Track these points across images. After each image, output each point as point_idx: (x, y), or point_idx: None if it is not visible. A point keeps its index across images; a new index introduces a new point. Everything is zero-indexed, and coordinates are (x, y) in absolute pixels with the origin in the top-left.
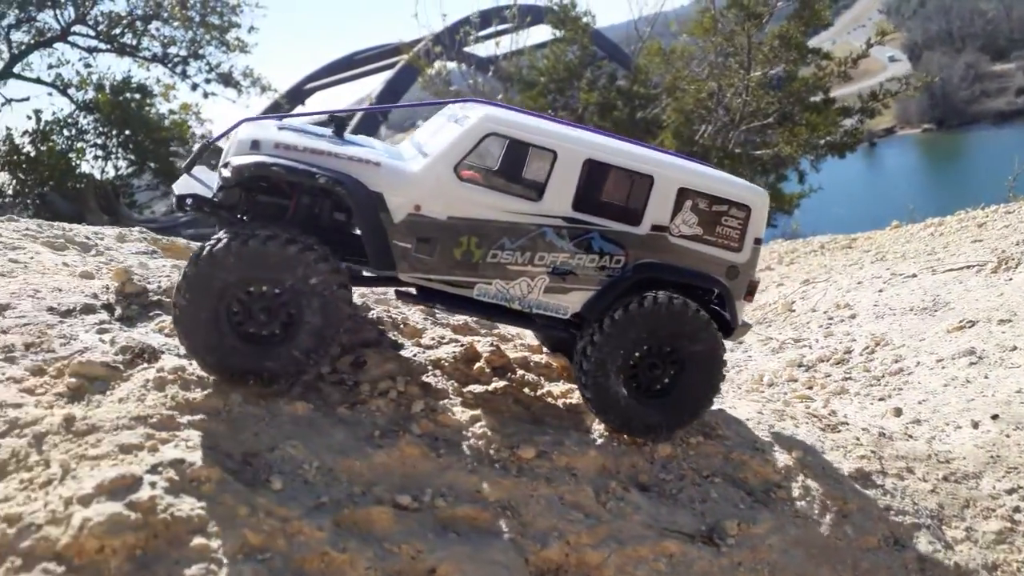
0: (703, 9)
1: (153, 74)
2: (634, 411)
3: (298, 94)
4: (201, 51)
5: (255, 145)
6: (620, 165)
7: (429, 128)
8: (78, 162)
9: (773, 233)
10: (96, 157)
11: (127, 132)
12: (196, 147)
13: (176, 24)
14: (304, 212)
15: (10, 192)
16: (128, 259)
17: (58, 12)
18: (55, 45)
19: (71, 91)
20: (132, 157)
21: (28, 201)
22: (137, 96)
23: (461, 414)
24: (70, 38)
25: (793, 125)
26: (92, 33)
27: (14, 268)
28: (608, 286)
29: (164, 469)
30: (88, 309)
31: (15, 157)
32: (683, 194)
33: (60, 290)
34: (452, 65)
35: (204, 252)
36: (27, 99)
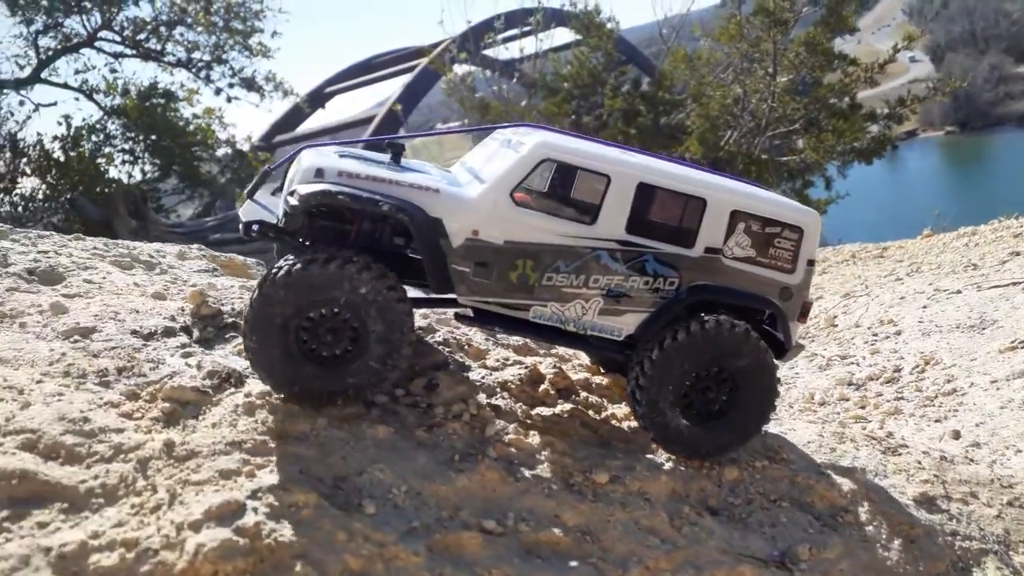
0: (729, 15)
1: (177, 79)
2: (698, 437)
3: (318, 97)
4: (224, 56)
5: (319, 173)
6: (673, 188)
7: (482, 153)
8: (106, 167)
9: None
10: (123, 162)
11: (153, 137)
12: (257, 174)
13: (200, 29)
14: (366, 236)
15: (40, 197)
16: (192, 277)
17: (85, 18)
18: (82, 50)
19: (97, 96)
20: (158, 162)
21: (57, 206)
22: (163, 101)
23: (533, 437)
24: (96, 43)
25: (820, 131)
26: (118, 39)
27: (90, 289)
28: (662, 308)
29: (264, 495)
30: (169, 332)
31: (45, 162)
32: (736, 216)
33: (138, 312)
34: (474, 69)
35: (256, 294)
36: (54, 104)
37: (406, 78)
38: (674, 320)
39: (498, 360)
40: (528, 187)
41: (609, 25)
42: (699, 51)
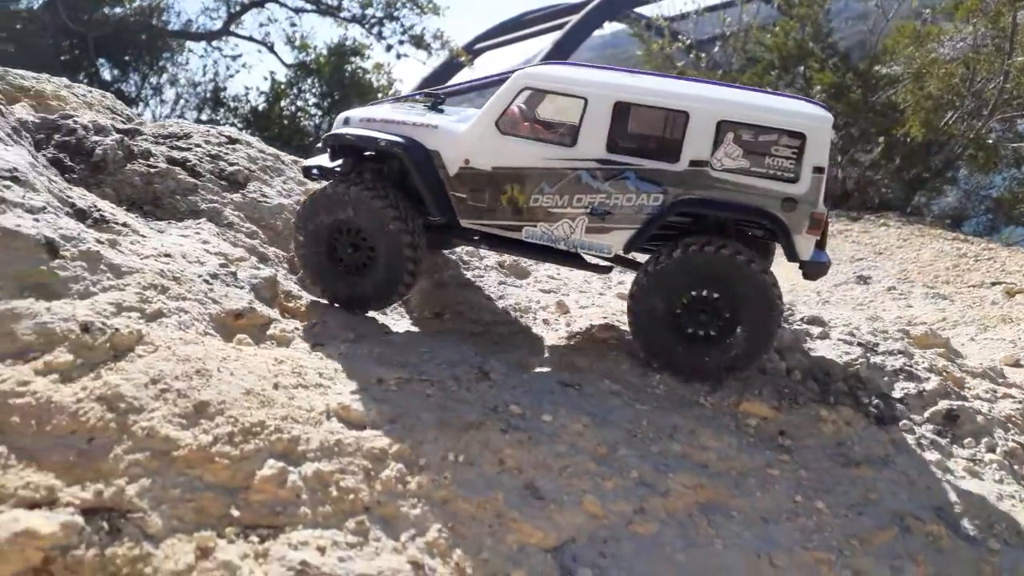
0: None
1: (351, 34)
2: (694, 360)
3: (469, 53)
4: (396, 13)
5: (346, 121)
6: (652, 104)
7: None
8: (302, 121)
9: None
10: (312, 116)
11: (337, 94)
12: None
13: None
14: (396, 174)
15: None
16: None
17: None
18: (266, 5)
19: (281, 50)
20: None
21: None
22: (353, 59)
23: None
24: None
25: None
26: None
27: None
28: (646, 224)
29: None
30: None
31: (248, 114)
32: (723, 127)
33: None
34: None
35: (300, 207)
36: (239, 56)
37: (555, 35)
38: (670, 236)
39: (987, 391)
40: (530, 114)
41: None
42: (930, 28)
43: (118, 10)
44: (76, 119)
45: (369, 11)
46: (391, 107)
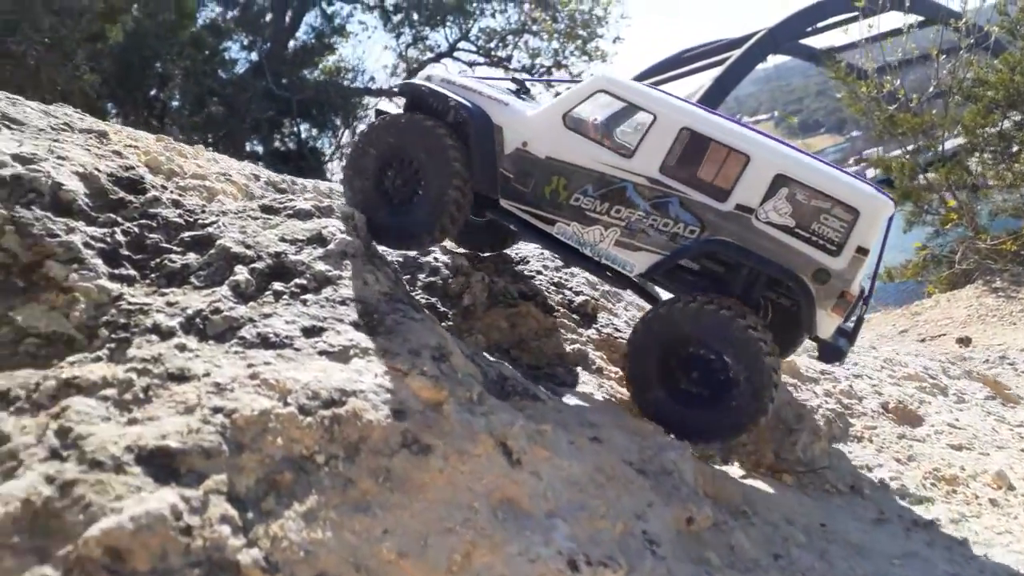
0: None
1: None
2: (678, 416)
3: None
4: (564, 62)
5: (429, 78)
6: (717, 139)
7: None
8: None
9: None
10: None
11: None
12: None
13: (545, 37)
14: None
15: None
16: None
17: (446, 31)
18: (442, 60)
19: None
20: None
21: None
22: None
23: None
24: (454, 53)
25: None
26: (473, 48)
27: None
28: (675, 253)
29: None
30: None
31: None
32: (780, 180)
33: None
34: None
35: (356, 139)
36: None
37: (715, 71)
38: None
39: None
40: (602, 120)
41: None
42: None
43: (312, 72)
44: (435, 256)
45: (538, 60)
46: (475, 78)
